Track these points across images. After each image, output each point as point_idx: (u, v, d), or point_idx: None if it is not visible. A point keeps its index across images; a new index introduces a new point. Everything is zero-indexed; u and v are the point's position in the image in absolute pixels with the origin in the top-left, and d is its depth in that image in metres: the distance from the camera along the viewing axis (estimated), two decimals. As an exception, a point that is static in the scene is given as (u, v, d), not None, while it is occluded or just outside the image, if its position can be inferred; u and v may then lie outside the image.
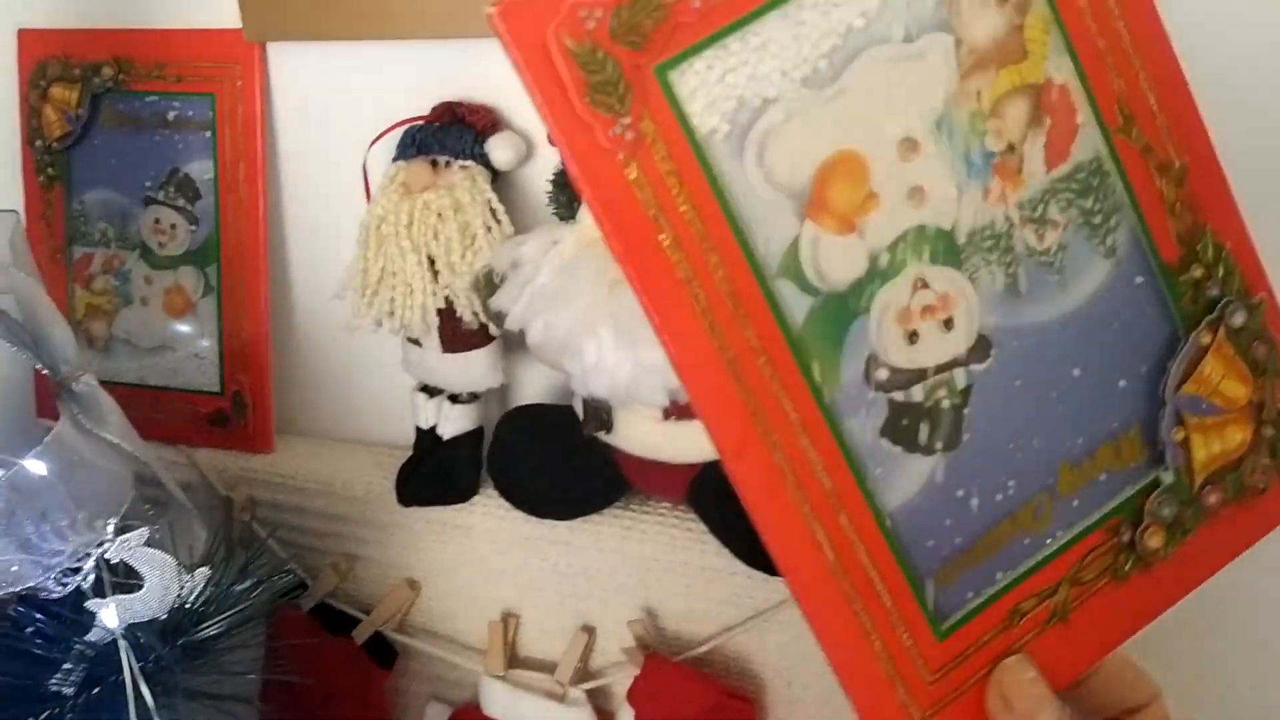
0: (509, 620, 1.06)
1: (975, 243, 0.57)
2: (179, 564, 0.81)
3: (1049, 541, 0.60)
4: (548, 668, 1.05)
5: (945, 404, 0.57)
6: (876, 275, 0.55)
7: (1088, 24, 0.57)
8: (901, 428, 0.56)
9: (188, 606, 0.82)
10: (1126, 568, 0.61)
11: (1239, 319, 0.61)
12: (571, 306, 0.86)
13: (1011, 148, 0.57)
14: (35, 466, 0.72)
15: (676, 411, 0.89)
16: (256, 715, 1.12)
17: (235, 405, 1.13)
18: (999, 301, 0.57)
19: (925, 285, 0.56)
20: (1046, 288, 0.58)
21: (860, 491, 0.56)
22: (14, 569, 0.74)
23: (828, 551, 0.55)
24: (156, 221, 1.14)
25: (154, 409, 1.15)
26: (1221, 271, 0.61)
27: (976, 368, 0.57)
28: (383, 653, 1.09)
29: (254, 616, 0.84)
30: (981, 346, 0.57)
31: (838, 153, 0.53)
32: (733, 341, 0.52)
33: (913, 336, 0.56)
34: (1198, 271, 0.61)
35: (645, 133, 0.50)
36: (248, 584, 0.84)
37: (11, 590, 0.74)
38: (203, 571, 0.83)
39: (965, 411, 0.58)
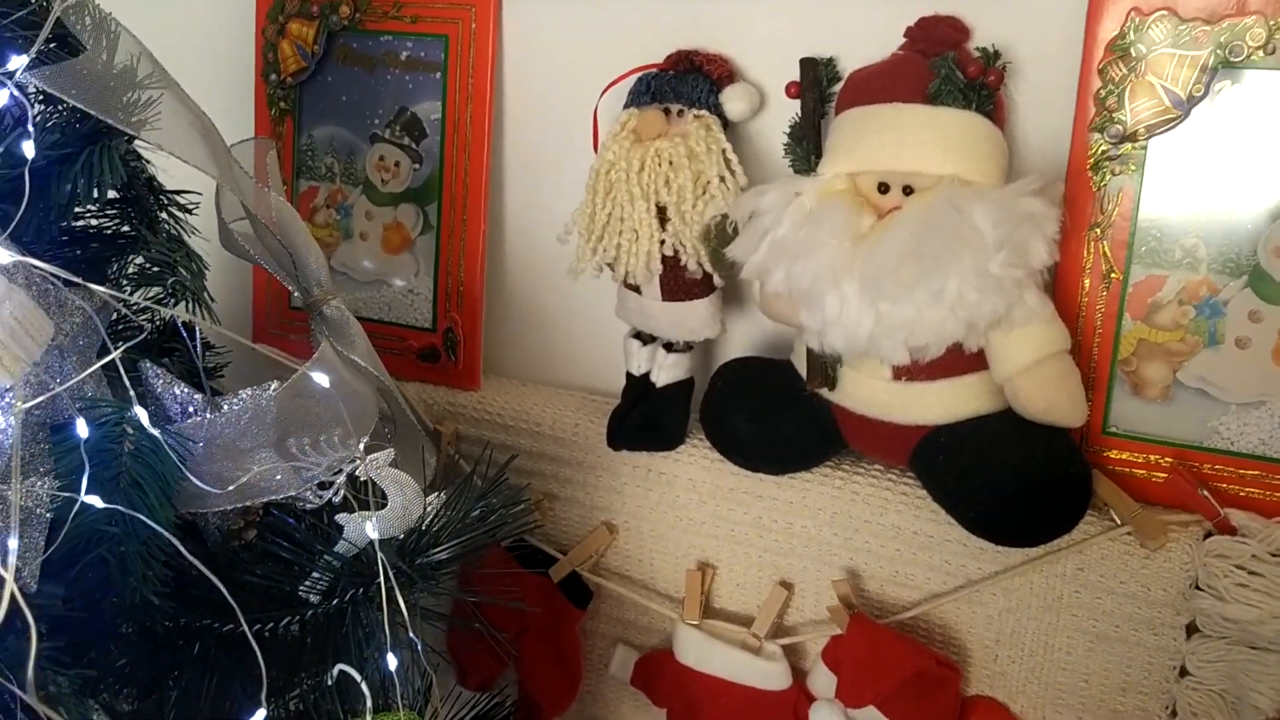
0: (706, 570, 1.06)
1: None
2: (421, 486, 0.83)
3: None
4: (739, 621, 1.06)
5: None
6: None
7: None
8: None
9: (423, 528, 0.84)
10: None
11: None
12: (815, 258, 0.85)
13: None
14: (320, 378, 0.74)
15: (909, 372, 0.88)
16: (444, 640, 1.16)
17: (447, 342, 1.16)
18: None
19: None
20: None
21: None
22: (278, 477, 0.77)
23: None
24: (381, 159, 1.17)
25: (367, 341, 1.18)
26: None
27: None
28: (578, 592, 1.11)
29: (486, 544, 0.86)
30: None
31: None
32: None
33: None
34: None
35: None
36: (480, 511, 0.86)
37: (274, 497, 0.77)
38: (439, 496, 0.86)
39: None
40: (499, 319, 1.20)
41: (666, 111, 1.00)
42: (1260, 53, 0.82)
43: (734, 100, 0.99)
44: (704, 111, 0.99)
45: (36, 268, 0.63)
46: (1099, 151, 0.88)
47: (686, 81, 1.00)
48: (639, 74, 1.02)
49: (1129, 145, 0.87)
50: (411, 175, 1.16)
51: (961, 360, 0.86)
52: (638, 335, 1.06)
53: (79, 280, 0.65)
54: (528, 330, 1.20)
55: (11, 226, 0.62)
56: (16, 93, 0.68)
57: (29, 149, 0.63)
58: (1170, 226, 0.87)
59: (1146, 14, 0.85)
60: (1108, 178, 0.88)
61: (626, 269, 0.99)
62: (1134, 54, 0.85)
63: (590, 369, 1.17)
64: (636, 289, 1.02)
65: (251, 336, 1.28)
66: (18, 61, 0.68)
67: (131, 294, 0.75)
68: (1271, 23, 0.81)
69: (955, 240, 0.80)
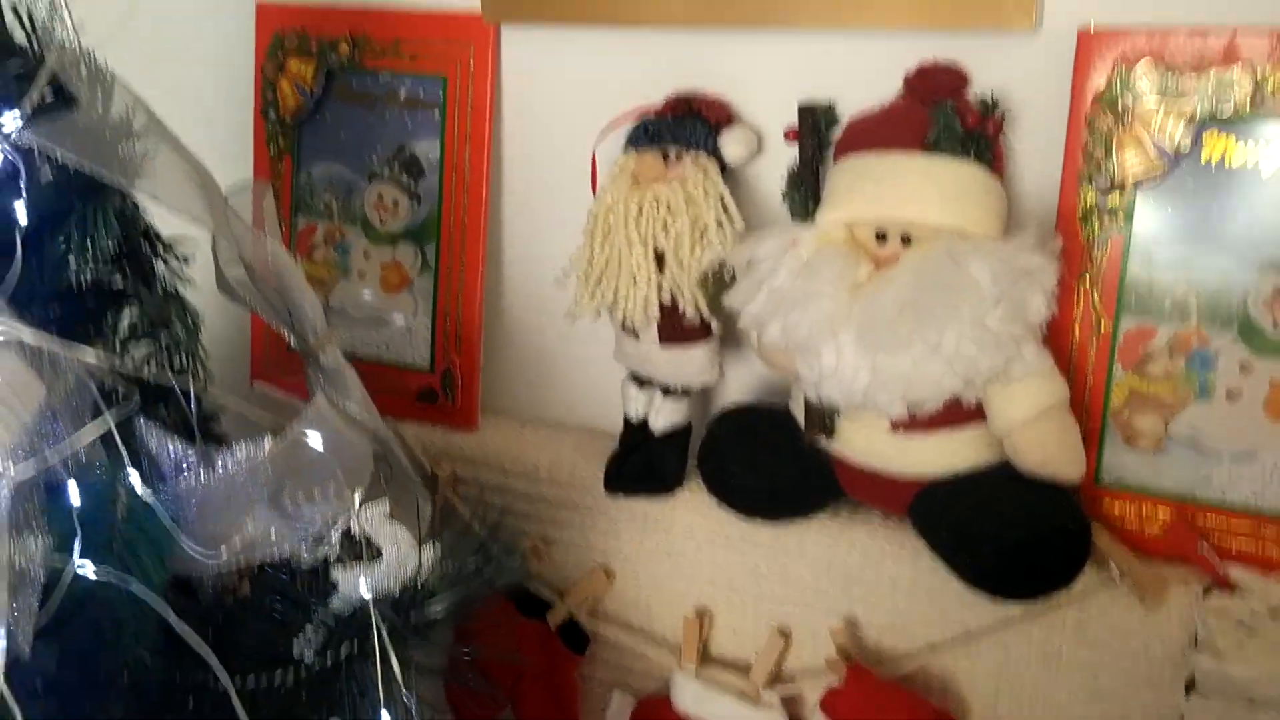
0: (703, 616, 1.06)
1: None
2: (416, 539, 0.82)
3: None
4: (737, 668, 1.05)
5: None
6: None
7: None
8: None
9: (420, 582, 0.84)
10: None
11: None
12: (811, 309, 0.85)
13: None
14: (314, 440, 0.74)
15: (907, 424, 0.88)
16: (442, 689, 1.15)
17: (445, 383, 1.16)
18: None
19: None
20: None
21: None
22: (272, 535, 0.76)
23: None
24: (380, 197, 1.17)
25: (365, 382, 1.17)
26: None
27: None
28: (575, 638, 1.10)
29: (482, 596, 0.85)
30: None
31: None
32: None
33: None
34: None
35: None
36: (475, 564, 0.85)
37: (271, 555, 0.77)
38: (434, 547, 0.85)
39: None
40: (497, 358, 1.20)
41: (665, 155, 0.99)
42: (1248, 104, 0.81)
43: (732, 145, 0.99)
44: (702, 155, 0.98)
45: (30, 332, 0.63)
46: (1088, 202, 0.88)
47: (685, 125, 1.00)
48: (638, 117, 1.02)
49: (1117, 196, 0.87)
50: (410, 214, 1.16)
51: (959, 412, 0.86)
52: (636, 379, 1.05)
53: (72, 345, 0.65)
54: (526, 369, 1.20)
55: (8, 291, 0.62)
56: (10, 152, 0.68)
57: (22, 213, 0.63)
58: (1160, 277, 0.87)
59: (1133, 64, 0.84)
60: (1097, 228, 0.88)
61: (624, 313, 0.99)
62: (1121, 106, 0.85)
63: (589, 408, 1.17)
64: (634, 333, 1.01)
65: (250, 373, 1.28)
66: (10, 119, 0.68)
67: (125, 348, 0.74)
68: (1258, 72, 0.81)
69: (953, 294, 0.80)
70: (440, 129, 1.13)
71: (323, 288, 1.21)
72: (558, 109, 1.10)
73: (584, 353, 1.14)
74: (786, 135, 0.98)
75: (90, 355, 0.65)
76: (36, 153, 0.70)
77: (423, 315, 1.17)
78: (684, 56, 1.02)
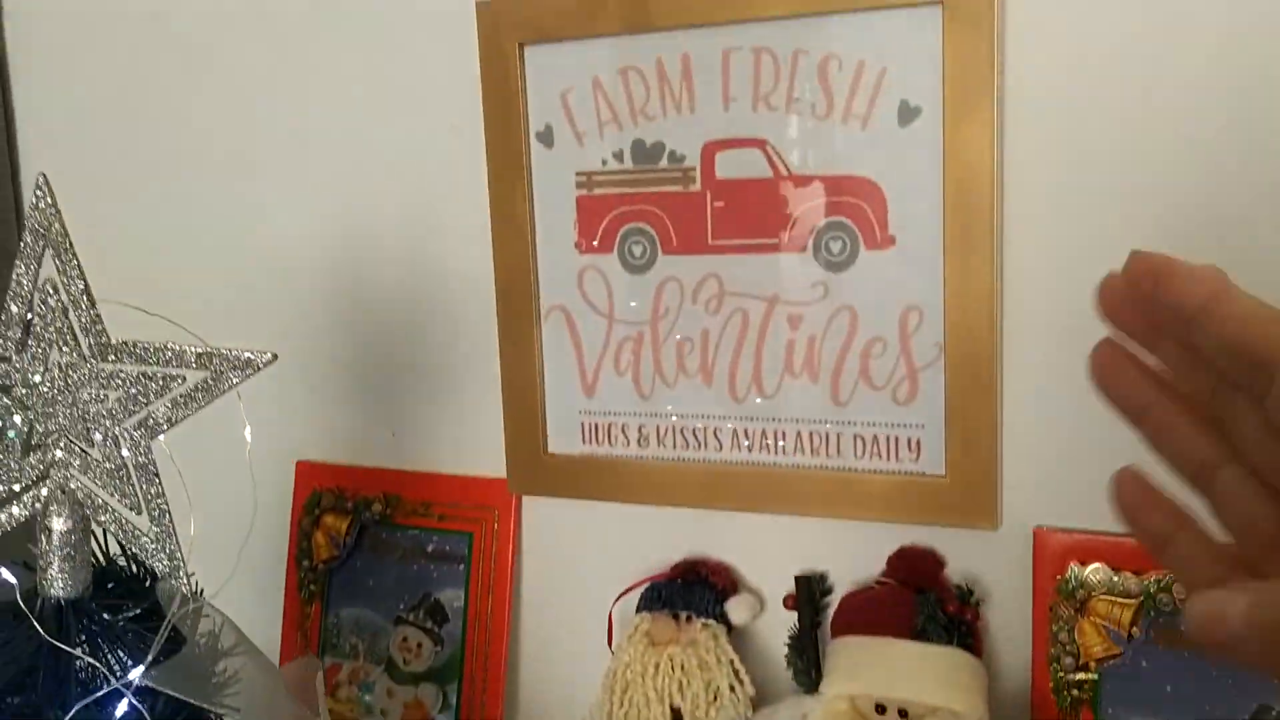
0: None
1: None
2: None
3: None
4: None
5: None
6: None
7: None
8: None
9: None
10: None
11: None
12: (826, 788, 0.95)
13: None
14: None
15: None
16: None
17: (465, 822, 1.21)
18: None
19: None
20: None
21: None
22: None
23: None
24: (404, 640, 1.26)
25: (385, 819, 1.23)
26: None
27: None
28: None
29: None
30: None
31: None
32: None
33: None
34: None
35: None
36: None
37: None
38: None
39: None
40: (513, 792, 1.26)
41: (675, 616, 1.11)
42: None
43: (737, 611, 1.11)
44: (710, 620, 1.10)
45: None
46: (1059, 677, 1.00)
47: (694, 590, 1.12)
48: (650, 580, 1.14)
49: (1083, 674, 0.99)
50: (433, 656, 1.25)
51: None
52: (654, 826, 1.12)
53: None
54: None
55: None
56: (134, 701, 0.77)
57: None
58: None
59: (1084, 561, 0.99)
60: (1069, 701, 1.00)
61: (643, 768, 1.07)
62: (1077, 597, 0.99)
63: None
64: (653, 784, 1.09)
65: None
66: (137, 673, 0.78)
67: None
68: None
69: (953, 784, 0.91)
70: (465, 580, 1.24)
71: (346, 725, 1.28)
72: (575, 569, 1.22)
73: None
74: (785, 602, 1.10)
75: None
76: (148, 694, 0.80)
77: (442, 753, 1.24)
78: (691, 530, 1.16)
